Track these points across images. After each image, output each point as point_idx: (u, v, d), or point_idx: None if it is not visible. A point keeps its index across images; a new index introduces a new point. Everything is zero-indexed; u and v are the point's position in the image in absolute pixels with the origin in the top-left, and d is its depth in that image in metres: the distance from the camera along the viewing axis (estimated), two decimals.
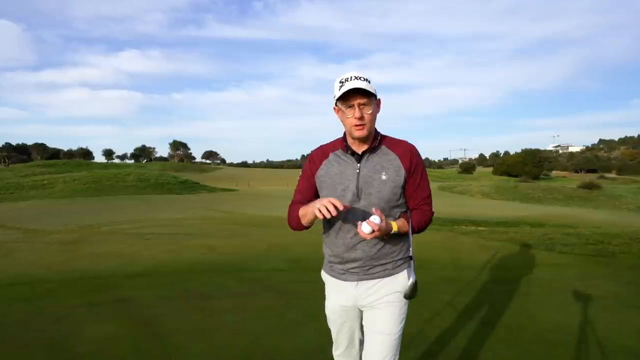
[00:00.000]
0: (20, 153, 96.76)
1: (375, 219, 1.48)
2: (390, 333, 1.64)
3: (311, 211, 1.50)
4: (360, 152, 1.64)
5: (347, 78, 1.55)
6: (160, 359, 2.78)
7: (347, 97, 1.54)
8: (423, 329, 3.19)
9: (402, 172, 1.62)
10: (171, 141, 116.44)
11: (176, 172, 51.30)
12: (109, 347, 2.92)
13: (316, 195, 1.72)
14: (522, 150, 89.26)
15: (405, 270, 1.68)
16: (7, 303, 3.91)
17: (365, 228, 1.47)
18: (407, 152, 1.65)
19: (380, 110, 1.65)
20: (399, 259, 1.69)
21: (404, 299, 1.66)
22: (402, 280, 1.65)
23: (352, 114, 1.55)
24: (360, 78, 1.54)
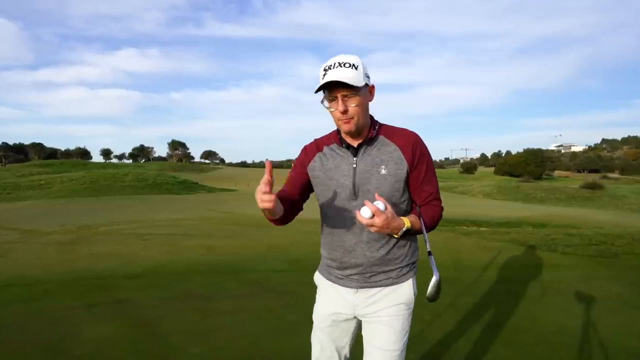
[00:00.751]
0: (17, 153, 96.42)
1: (379, 204, 1.29)
2: (391, 349, 1.48)
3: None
4: (355, 145, 1.47)
5: (331, 65, 1.35)
6: None
7: (330, 88, 1.36)
8: (423, 330, 3.17)
9: (404, 164, 1.44)
10: (170, 141, 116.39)
11: (175, 172, 51.20)
12: (107, 348, 2.90)
13: (305, 188, 1.56)
14: (524, 150, 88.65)
15: (411, 280, 1.53)
16: (4, 304, 3.87)
17: (364, 212, 1.28)
18: (409, 141, 1.46)
19: (374, 99, 1.46)
20: (405, 266, 1.52)
21: (409, 310, 1.52)
22: (407, 289, 1.51)
23: (336, 107, 1.38)
24: (345, 64, 1.34)
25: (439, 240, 7.12)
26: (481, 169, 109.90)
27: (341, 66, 1.34)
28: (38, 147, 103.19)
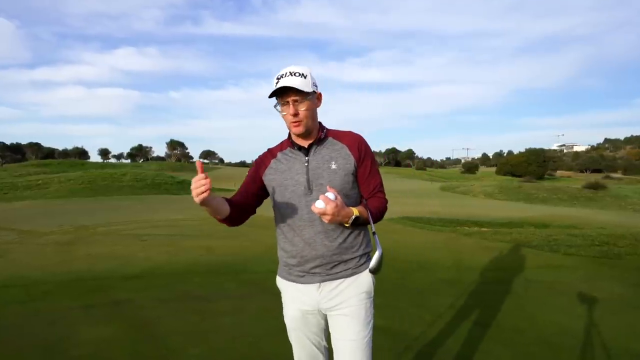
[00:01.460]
0: (14, 152, 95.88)
1: (329, 194, 1.43)
2: (358, 338, 1.58)
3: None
4: (306, 146, 1.63)
5: (283, 74, 1.54)
6: None
7: (281, 94, 1.54)
8: (424, 331, 3.15)
9: (352, 159, 1.60)
10: (168, 140, 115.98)
11: (173, 172, 50.99)
12: (105, 350, 2.88)
13: (258, 194, 1.69)
14: (526, 149, 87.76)
15: (368, 269, 1.62)
16: (2, 305, 3.84)
17: (318, 203, 1.41)
18: (355, 141, 1.64)
19: (322, 104, 1.64)
20: (361, 255, 1.65)
21: (370, 299, 1.63)
22: (366, 278, 1.62)
23: (287, 111, 1.55)
24: (295, 74, 1.53)
25: (440, 240, 7.11)
26: (483, 169, 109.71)
27: (292, 75, 1.52)
28: (35, 147, 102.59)
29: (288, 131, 1.67)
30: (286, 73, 1.54)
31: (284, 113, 1.57)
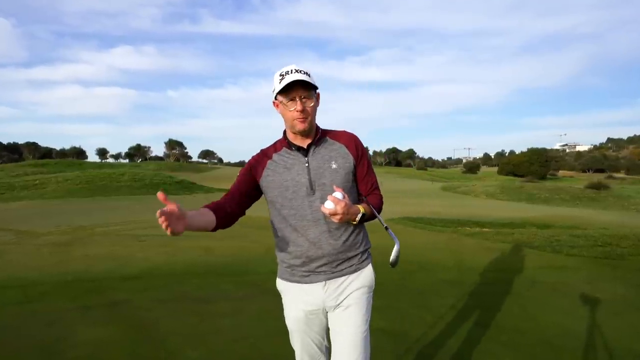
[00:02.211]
0: (11, 152, 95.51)
1: (337, 194, 1.45)
2: (358, 331, 1.60)
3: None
4: (305, 146, 1.62)
5: (288, 71, 1.54)
6: None
7: (288, 90, 1.53)
8: (426, 332, 3.13)
9: (351, 158, 1.63)
10: (167, 140, 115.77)
11: (172, 171, 50.92)
12: (102, 352, 2.86)
13: (248, 195, 1.67)
14: (528, 149, 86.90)
15: (370, 264, 1.70)
16: None
17: (328, 204, 1.43)
18: (351, 140, 1.67)
19: (321, 103, 1.65)
20: (363, 251, 1.69)
21: (371, 293, 1.67)
22: (368, 273, 1.67)
23: (295, 107, 1.53)
24: (300, 71, 1.53)
25: (441, 241, 7.09)
26: (484, 169, 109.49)
27: (298, 72, 1.52)
28: (32, 147, 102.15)
29: (283, 131, 1.67)
30: (292, 70, 1.54)
31: (291, 109, 1.55)
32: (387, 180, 43.62)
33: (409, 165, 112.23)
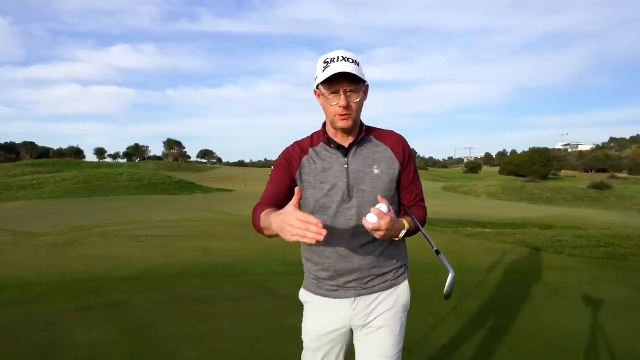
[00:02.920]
0: (8, 152, 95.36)
1: (382, 207, 1.24)
2: (389, 355, 1.45)
3: (276, 228, 1.09)
4: (346, 145, 1.42)
5: (333, 58, 1.32)
6: None
7: (332, 81, 1.31)
8: (427, 335, 3.11)
9: (396, 164, 1.44)
10: (165, 139, 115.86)
11: (171, 171, 50.95)
12: (100, 353, 2.83)
13: (289, 197, 1.39)
14: (530, 149, 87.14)
15: (407, 281, 1.52)
16: None
17: (371, 218, 1.21)
18: (398, 142, 1.47)
19: (367, 98, 1.43)
20: (400, 266, 1.51)
21: (405, 313, 1.50)
22: (404, 292, 1.49)
23: (337, 102, 1.32)
24: (348, 59, 1.31)
25: (442, 241, 7.06)
26: (486, 169, 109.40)
27: (345, 60, 1.30)
28: (30, 146, 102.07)
29: (323, 123, 1.46)
30: (338, 57, 1.32)
31: (333, 104, 1.34)
32: None
33: None
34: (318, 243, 1.37)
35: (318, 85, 1.36)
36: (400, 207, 1.51)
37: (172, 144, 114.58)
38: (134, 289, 4.34)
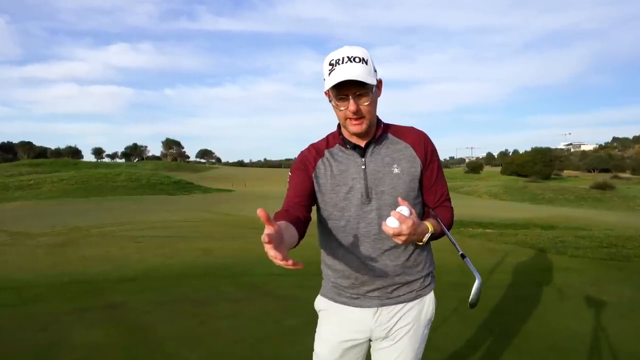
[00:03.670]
0: (5, 152, 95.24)
1: (403, 210, 1.15)
2: None
3: None
4: (363, 145, 1.34)
5: (338, 60, 1.21)
6: None
7: (339, 87, 1.21)
8: (429, 337, 3.07)
9: (418, 162, 1.34)
10: (164, 139, 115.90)
11: (169, 171, 50.88)
12: (98, 355, 2.81)
13: (310, 198, 1.37)
14: (531, 148, 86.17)
15: (432, 292, 1.45)
16: None
17: (391, 222, 1.13)
18: (420, 139, 1.37)
19: (381, 94, 1.33)
20: (426, 275, 1.43)
21: (429, 327, 1.44)
22: (429, 303, 1.42)
23: (346, 107, 1.24)
24: (354, 59, 1.20)
25: (443, 242, 7.03)
26: (487, 169, 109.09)
27: (351, 61, 1.20)
28: (27, 146, 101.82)
29: (338, 124, 1.38)
30: (343, 58, 1.21)
31: (342, 109, 1.25)
32: None
33: None
34: (338, 248, 1.35)
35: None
36: (423, 208, 1.43)
37: (171, 144, 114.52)
38: (132, 289, 4.31)
